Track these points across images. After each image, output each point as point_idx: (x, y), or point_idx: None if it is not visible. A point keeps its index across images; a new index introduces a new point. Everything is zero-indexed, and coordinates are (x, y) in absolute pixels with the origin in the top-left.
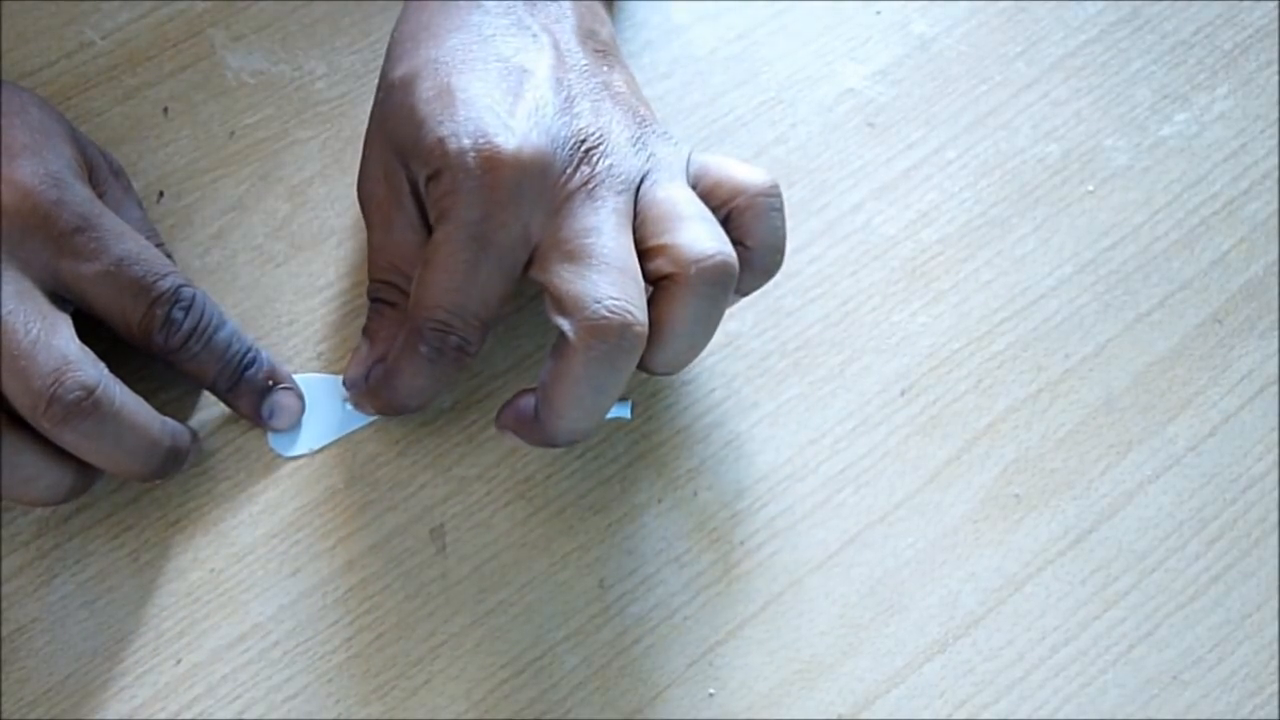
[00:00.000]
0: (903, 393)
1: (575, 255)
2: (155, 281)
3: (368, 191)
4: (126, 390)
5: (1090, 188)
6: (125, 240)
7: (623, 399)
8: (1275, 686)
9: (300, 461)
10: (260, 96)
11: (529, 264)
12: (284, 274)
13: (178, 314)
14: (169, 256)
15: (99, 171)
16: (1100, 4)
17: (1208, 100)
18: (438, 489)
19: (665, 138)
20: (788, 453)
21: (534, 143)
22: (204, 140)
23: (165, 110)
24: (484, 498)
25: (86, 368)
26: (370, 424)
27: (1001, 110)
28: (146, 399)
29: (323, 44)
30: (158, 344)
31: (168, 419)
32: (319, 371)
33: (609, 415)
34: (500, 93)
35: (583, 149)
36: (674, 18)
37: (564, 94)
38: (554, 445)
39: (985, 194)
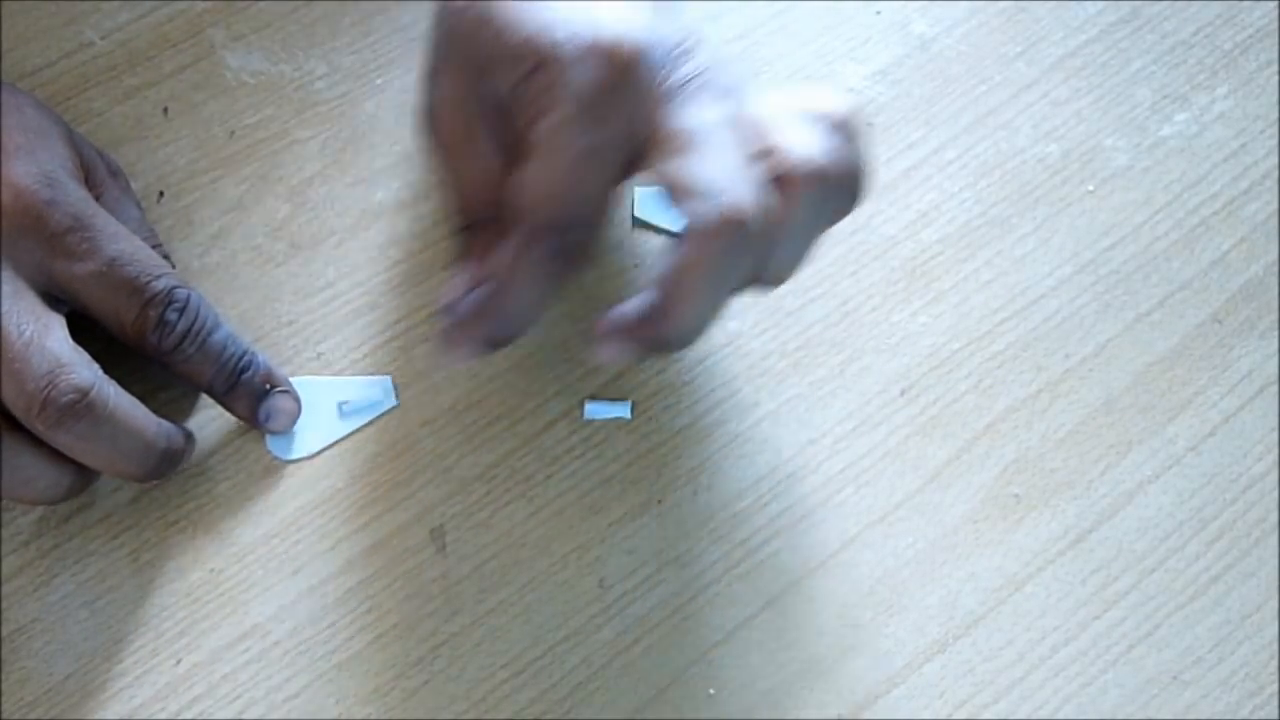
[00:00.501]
0: (903, 393)
1: (691, 146)
2: (149, 282)
3: (438, 126)
4: (121, 392)
5: (1090, 188)
6: (119, 240)
7: (622, 399)
8: (1275, 686)
9: (298, 463)
10: (260, 96)
11: (636, 161)
12: (284, 274)
13: (171, 315)
14: (166, 258)
15: (96, 172)
16: (1100, 4)
17: (1208, 100)
18: (438, 489)
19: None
20: (788, 453)
21: (636, 32)
22: (204, 140)
23: (165, 110)
24: (484, 498)
25: (80, 369)
26: (369, 425)
27: (1001, 110)
28: (143, 400)
29: (323, 44)
30: (151, 345)
31: (163, 420)
32: (318, 373)
33: (608, 415)
34: None
35: (682, 46)
36: None
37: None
38: (667, 348)
39: (985, 194)
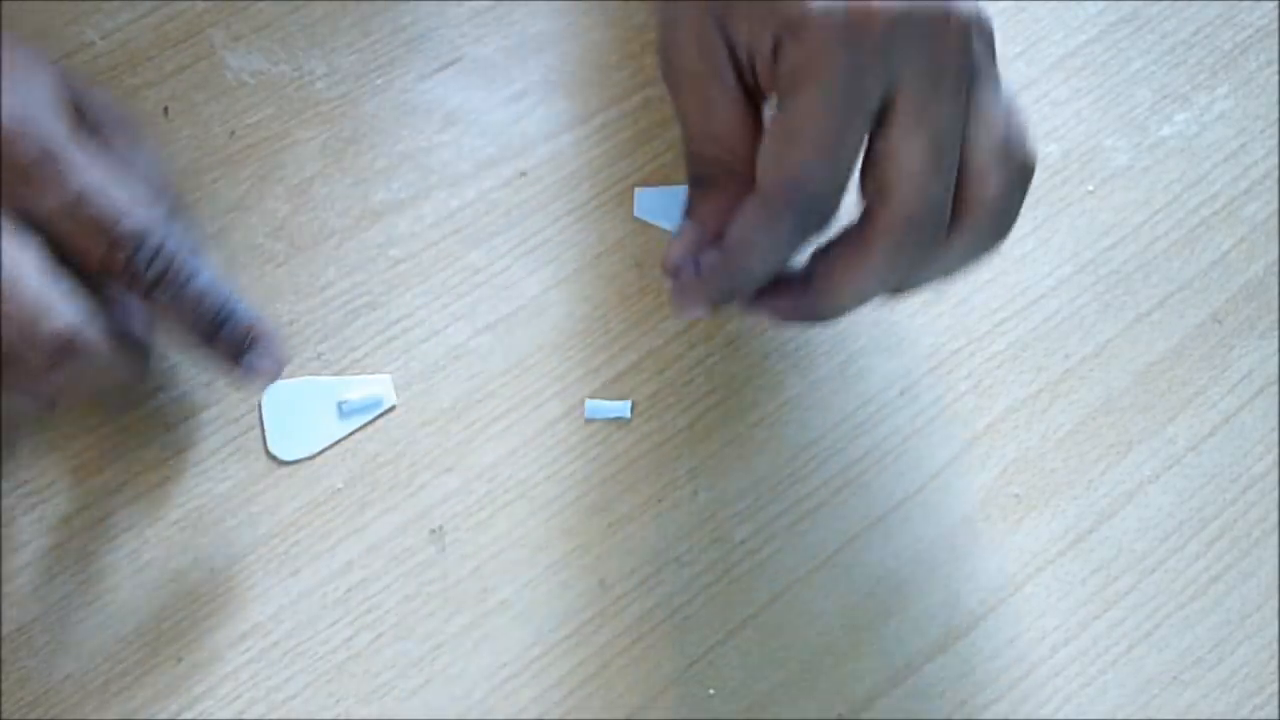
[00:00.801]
0: (902, 393)
1: (928, 136)
2: (116, 222)
3: (679, 67)
4: (106, 324)
5: (1090, 187)
6: (91, 174)
7: (622, 399)
8: (1275, 686)
9: (299, 463)
10: (260, 96)
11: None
12: (284, 274)
13: (140, 260)
14: (178, 210)
15: (93, 116)
16: (1100, 4)
17: (1208, 100)
18: (438, 489)
19: (993, 37)
20: (788, 453)
21: (892, 4)
22: (204, 140)
23: (165, 110)
24: (484, 498)
25: (58, 312)
26: (368, 425)
27: None
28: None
29: (322, 44)
30: (122, 287)
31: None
32: (318, 373)
33: (608, 415)
34: None
35: (940, 18)
36: None
37: None
38: (817, 318)
39: None
